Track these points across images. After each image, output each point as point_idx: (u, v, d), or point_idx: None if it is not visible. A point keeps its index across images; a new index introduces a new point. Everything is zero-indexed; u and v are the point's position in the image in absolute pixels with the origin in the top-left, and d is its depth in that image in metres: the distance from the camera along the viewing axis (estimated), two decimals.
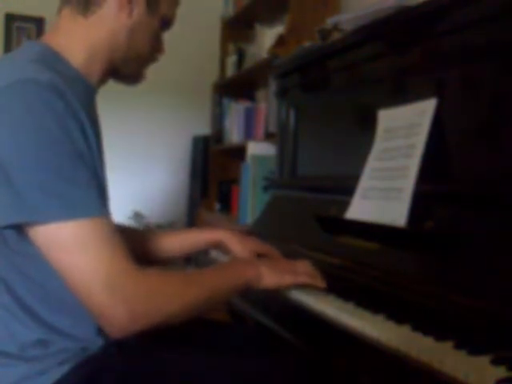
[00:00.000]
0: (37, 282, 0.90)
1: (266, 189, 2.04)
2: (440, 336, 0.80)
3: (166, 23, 1.07)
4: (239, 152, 2.85)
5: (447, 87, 1.16)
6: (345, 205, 1.31)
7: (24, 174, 0.81)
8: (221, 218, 3.06)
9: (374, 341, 0.86)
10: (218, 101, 3.52)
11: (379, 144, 1.29)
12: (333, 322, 0.97)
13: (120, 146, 3.55)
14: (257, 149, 2.54)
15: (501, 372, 0.68)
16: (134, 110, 3.69)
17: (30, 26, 3.55)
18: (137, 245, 1.16)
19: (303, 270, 1.11)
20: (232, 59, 3.37)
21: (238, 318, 1.66)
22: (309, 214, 1.51)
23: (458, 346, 0.76)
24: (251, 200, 2.40)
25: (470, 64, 1.11)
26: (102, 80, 1.05)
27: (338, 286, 1.12)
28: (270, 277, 1.04)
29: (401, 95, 1.31)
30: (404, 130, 1.21)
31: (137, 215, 3.62)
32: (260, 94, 3.22)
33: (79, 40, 0.98)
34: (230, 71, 3.40)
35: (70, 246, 0.82)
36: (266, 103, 2.82)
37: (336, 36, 1.60)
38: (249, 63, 3.10)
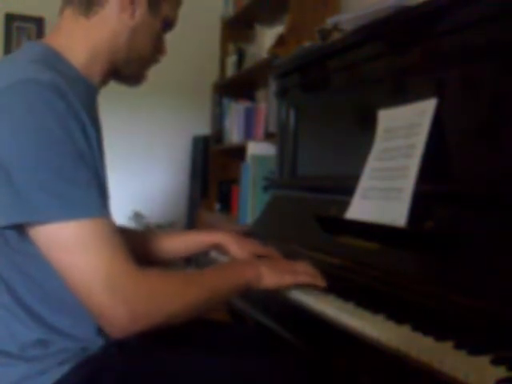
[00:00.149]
0: (37, 282, 0.90)
1: (265, 189, 2.04)
2: (440, 336, 0.80)
3: (168, 24, 1.07)
4: (239, 152, 2.85)
5: (447, 87, 1.16)
6: (345, 205, 1.31)
7: (25, 173, 0.81)
8: (221, 218, 3.06)
9: (373, 341, 0.86)
10: (218, 101, 3.52)
11: (379, 144, 1.29)
12: (333, 322, 0.97)
13: (120, 146, 3.55)
14: (257, 149, 2.54)
15: (501, 372, 0.68)
16: (133, 110, 3.69)
17: (30, 25, 3.55)
18: (137, 246, 1.16)
19: (303, 270, 1.11)
20: (232, 59, 3.37)
21: (238, 318, 1.66)
22: (309, 214, 1.51)
23: (458, 345, 0.76)
24: (251, 200, 2.40)
25: (470, 64, 1.11)
26: (104, 81, 1.05)
27: (338, 286, 1.12)
28: (270, 277, 1.04)
29: (401, 95, 1.31)
30: (404, 130, 1.21)
31: (137, 215, 3.62)
32: (260, 94, 3.22)
33: (81, 40, 0.98)
34: (230, 71, 3.40)
35: (70, 245, 0.82)
36: (266, 103, 2.82)
37: (336, 36, 1.60)
38: (249, 63, 3.10)
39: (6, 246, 0.88)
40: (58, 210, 0.81)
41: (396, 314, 0.92)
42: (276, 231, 1.69)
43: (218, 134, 3.49)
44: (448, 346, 0.77)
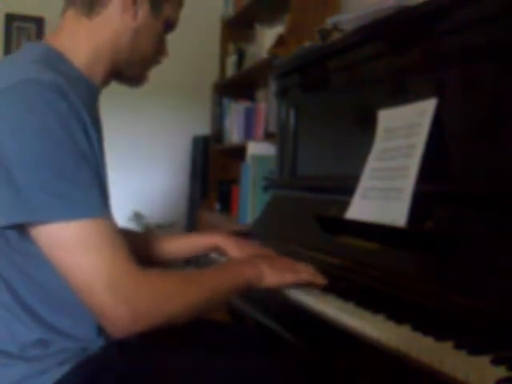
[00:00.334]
0: (37, 282, 0.90)
1: (265, 189, 2.04)
2: (440, 336, 0.80)
3: (170, 25, 1.07)
4: (239, 152, 2.85)
5: (447, 87, 1.16)
6: (345, 205, 1.31)
7: (26, 173, 0.81)
8: (221, 218, 3.06)
9: (374, 341, 0.86)
10: (218, 101, 3.52)
11: (379, 144, 1.29)
12: (333, 322, 0.97)
13: (120, 146, 3.55)
14: (257, 149, 2.54)
15: (501, 372, 0.68)
16: (133, 110, 3.69)
17: (30, 25, 3.55)
18: (138, 247, 1.17)
19: (304, 269, 1.11)
20: (232, 59, 3.37)
21: (238, 318, 1.66)
22: (309, 214, 1.51)
23: (458, 345, 0.76)
24: (251, 200, 2.40)
25: (470, 64, 1.11)
26: (105, 81, 1.05)
27: (338, 286, 1.12)
28: (271, 275, 1.04)
29: (401, 95, 1.31)
30: (404, 130, 1.21)
31: (137, 215, 3.62)
32: (260, 94, 3.22)
33: (83, 41, 0.98)
34: (230, 71, 3.40)
35: (71, 245, 0.82)
36: (266, 103, 2.82)
37: (336, 36, 1.60)
38: (249, 63, 3.10)
39: (6, 245, 0.88)
40: (60, 210, 0.81)
41: (396, 314, 0.92)
42: (276, 231, 1.69)
43: (218, 134, 3.49)
44: (448, 345, 0.77)
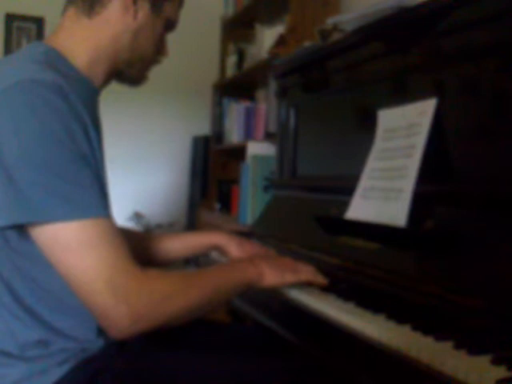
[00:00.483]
0: (37, 283, 0.90)
1: (266, 189, 2.04)
2: (440, 336, 0.80)
3: (170, 25, 1.07)
4: (239, 152, 2.85)
5: (447, 87, 1.16)
6: (345, 205, 1.31)
7: (27, 174, 0.81)
8: (221, 217, 3.06)
9: (374, 341, 0.86)
10: (218, 101, 3.52)
11: (379, 144, 1.29)
12: (333, 322, 0.97)
13: (120, 146, 3.55)
14: (257, 149, 2.54)
15: (501, 372, 0.68)
16: (134, 110, 3.69)
17: (30, 25, 3.55)
18: (138, 247, 1.17)
19: (304, 268, 1.11)
20: (232, 59, 3.37)
21: (238, 318, 1.66)
22: (309, 214, 1.51)
23: (458, 345, 0.76)
24: (251, 200, 2.40)
25: (470, 64, 1.11)
26: (105, 81, 1.04)
27: (339, 286, 1.12)
28: (271, 275, 1.04)
29: (401, 95, 1.31)
30: (404, 130, 1.21)
31: (137, 215, 3.62)
32: (260, 94, 3.22)
33: (83, 41, 0.98)
34: (230, 71, 3.40)
35: (72, 246, 0.82)
36: (266, 103, 2.82)
37: (336, 36, 1.60)
38: (249, 63, 3.10)
39: (6, 246, 0.88)
40: (61, 211, 0.81)
41: (396, 314, 0.92)
42: (276, 231, 1.69)
43: (218, 134, 3.50)
44: (448, 345, 0.77)
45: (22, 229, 0.85)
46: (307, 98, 1.78)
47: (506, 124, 1.02)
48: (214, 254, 1.56)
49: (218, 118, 3.52)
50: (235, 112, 3.22)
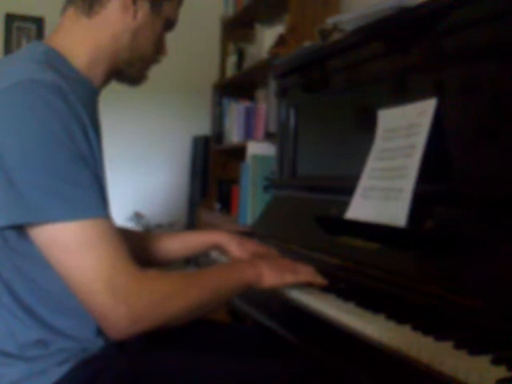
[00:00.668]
0: (37, 283, 0.90)
1: (266, 189, 2.04)
2: (440, 336, 0.80)
3: (169, 25, 1.07)
4: (239, 152, 2.85)
5: (447, 87, 1.16)
6: (345, 205, 1.31)
7: (26, 174, 0.81)
8: (221, 218, 3.06)
9: (374, 341, 0.86)
10: (218, 101, 3.52)
11: (379, 144, 1.29)
12: (333, 322, 0.97)
13: (120, 146, 3.55)
14: (257, 149, 2.54)
15: (501, 372, 0.68)
16: (133, 110, 3.69)
17: (30, 25, 3.55)
18: (137, 246, 1.17)
19: (304, 269, 1.11)
20: (232, 59, 3.37)
21: (238, 318, 1.66)
22: (309, 214, 1.51)
23: (458, 345, 0.76)
24: (251, 200, 2.40)
25: (470, 64, 1.11)
26: (105, 81, 1.04)
27: (338, 285, 1.12)
28: (270, 276, 1.04)
29: (401, 95, 1.31)
30: (404, 130, 1.21)
31: (137, 215, 3.63)
32: (260, 94, 3.22)
33: (82, 41, 0.98)
34: (230, 71, 3.40)
35: (72, 246, 0.82)
36: (266, 103, 2.82)
37: (336, 36, 1.60)
38: (249, 63, 3.10)
39: (5, 246, 0.88)
40: (60, 211, 0.81)
41: (396, 313, 0.92)
42: (276, 231, 1.69)
43: (218, 134, 3.50)
44: (448, 345, 0.77)
45: (21, 229, 0.85)
46: (307, 98, 1.78)
47: (506, 124, 1.02)
48: (214, 254, 1.56)
49: (218, 118, 3.52)
50: (235, 112, 3.23)
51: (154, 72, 1.13)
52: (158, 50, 1.08)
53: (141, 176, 3.73)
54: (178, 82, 3.74)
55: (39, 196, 0.81)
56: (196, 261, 1.73)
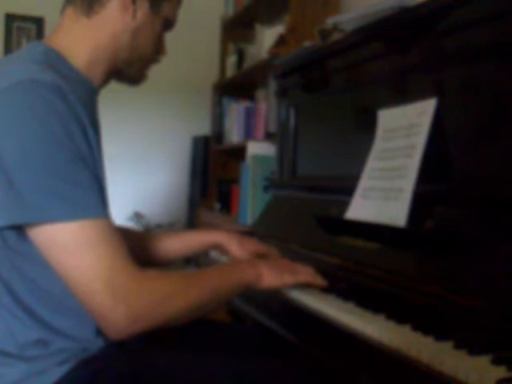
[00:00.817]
0: (37, 283, 0.90)
1: (266, 189, 2.04)
2: (440, 336, 0.80)
3: (169, 25, 1.07)
4: (239, 152, 2.85)
5: (447, 87, 1.16)
6: (345, 205, 1.31)
7: (26, 174, 0.81)
8: (221, 217, 3.06)
9: (374, 341, 0.86)
10: (218, 101, 3.52)
11: (379, 144, 1.29)
12: (333, 322, 0.97)
13: (120, 146, 3.55)
14: (257, 149, 2.54)
15: (501, 372, 0.68)
16: (133, 110, 3.69)
17: (30, 25, 3.55)
18: (137, 246, 1.17)
19: (303, 270, 1.11)
20: (232, 59, 3.37)
21: (238, 318, 1.66)
22: (309, 214, 1.51)
23: (458, 345, 0.76)
24: (251, 200, 2.40)
25: (470, 64, 1.11)
26: (105, 81, 1.05)
27: (338, 286, 1.12)
28: (269, 277, 1.04)
29: (401, 95, 1.31)
30: (404, 130, 1.21)
31: (137, 215, 3.63)
32: (260, 94, 3.22)
33: (82, 41, 0.98)
34: (230, 71, 3.40)
35: (71, 246, 0.82)
36: (266, 103, 2.82)
37: (336, 36, 1.60)
38: (249, 63, 3.10)
39: (5, 246, 0.88)
40: (59, 211, 0.81)
41: (396, 313, 0.92)
42: (276, 231, 1.69)
43: (218, 134, 3.50)
44: (448, 345, 0.77)
45: (20, 229, 0.85)
46: (307, 98, 1.78)
47: (506, 124, 1.02)
48: (214, 254, 1.56)
49: (218, 118, 3.52)
50: (235, 112, 3.23)
51: (154, 72, 1.13)
52: (157, 49, 1.08)
53: (141, 176, 3.73)
54: (178, 82, 3.74)
55: (39, 196, 0.81)
56: (196, 261, 1.73)
